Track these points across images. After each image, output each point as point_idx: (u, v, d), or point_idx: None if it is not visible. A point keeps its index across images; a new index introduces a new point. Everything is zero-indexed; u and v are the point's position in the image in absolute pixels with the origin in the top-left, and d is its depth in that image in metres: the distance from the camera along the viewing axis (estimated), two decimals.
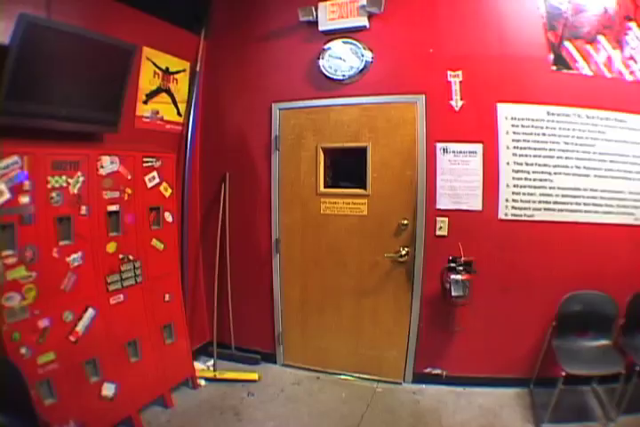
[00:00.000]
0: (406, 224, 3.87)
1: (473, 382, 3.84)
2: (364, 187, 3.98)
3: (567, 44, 3.64)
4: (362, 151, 3.99)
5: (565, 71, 3.64)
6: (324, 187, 4.17)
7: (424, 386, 3.94)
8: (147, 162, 3.43)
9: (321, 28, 3.94)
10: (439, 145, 3.73)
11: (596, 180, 3.64)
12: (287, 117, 4.17)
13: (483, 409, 3.57)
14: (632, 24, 3.63)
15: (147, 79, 3.81)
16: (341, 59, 3.91)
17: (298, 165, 4.20)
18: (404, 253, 3.87)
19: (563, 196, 3.64)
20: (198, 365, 4.16)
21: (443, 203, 3.76)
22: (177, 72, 4.10)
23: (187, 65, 4.20)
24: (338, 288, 4.16)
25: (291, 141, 4.19)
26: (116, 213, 3.21)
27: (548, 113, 3.62)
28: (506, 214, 3.68)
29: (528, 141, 3.64)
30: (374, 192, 3.98)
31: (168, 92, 4.04)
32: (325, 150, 4.13)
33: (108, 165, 3.11)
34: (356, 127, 3.98)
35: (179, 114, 4.20)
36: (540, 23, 3.64)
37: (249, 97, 4.31)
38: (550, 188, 3.65)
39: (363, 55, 3.86)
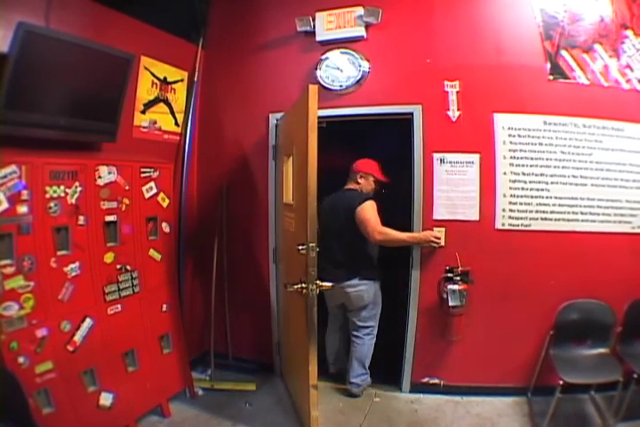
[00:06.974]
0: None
1: (471, 391, 3.84)
2: None
3: (564, 53, 3.66)
4: None
5: (562, 80, 3.66)
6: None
7: (422, 395, 3.93)
8: (144, 172, 3.43)
9: (318, 38, 3.94)
10: (436, 155, 3.73)
11: (593, 189, 3.66)
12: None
13: (481, 418, 3.57)
14: (628, 32, 3.67)
15: (144, 89, 3.82)
16: (339, 69, 3.91)
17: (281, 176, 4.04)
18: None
19: (560, 205, 3.66)
20: (196, 375, 4.14)
21: (440, 213, 3.74)
22: (175, 82, 4.11)
23: (184, 75, 4.21)
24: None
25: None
26: (113, 223, 3.20)
27: (545, 122, 3.64)
28: (503, 224, 3.68)
29: (525, 151, 3.65)
30: None
31: (166, 101, 4.05)
32: None
33: (106, 175, 3.11)
34: None
35: (176, 124, 4.21)
36: (537, 32, 3.67)
37: (246, 107, 4.31)
38: (547, 197, 3.66)
39: (360, 65, 3.86)
